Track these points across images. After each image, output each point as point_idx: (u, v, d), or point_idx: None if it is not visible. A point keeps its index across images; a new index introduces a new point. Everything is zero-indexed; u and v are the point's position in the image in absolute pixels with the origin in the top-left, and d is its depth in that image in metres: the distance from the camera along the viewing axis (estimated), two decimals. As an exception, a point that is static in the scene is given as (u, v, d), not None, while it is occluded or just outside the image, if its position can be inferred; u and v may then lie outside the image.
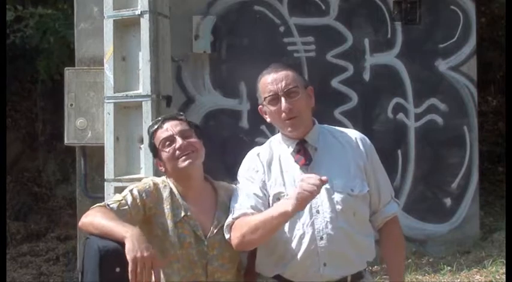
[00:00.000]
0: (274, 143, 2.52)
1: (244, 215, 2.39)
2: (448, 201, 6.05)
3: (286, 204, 2.24)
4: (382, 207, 2.49)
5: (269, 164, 2.47)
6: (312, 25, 5.93)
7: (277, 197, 2.40)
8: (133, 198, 2.47)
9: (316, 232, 2.35)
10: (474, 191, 6.08)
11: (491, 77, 8.20)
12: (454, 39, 6.06)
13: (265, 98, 2.44)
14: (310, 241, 2.35)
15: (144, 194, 2.49)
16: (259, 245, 2.41)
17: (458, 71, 6.08)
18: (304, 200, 2.20)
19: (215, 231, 2.50)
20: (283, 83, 2.40)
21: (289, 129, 2.43)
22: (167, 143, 2.51)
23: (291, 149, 2.46)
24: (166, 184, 2.56)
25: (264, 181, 2.44)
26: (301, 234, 2.36)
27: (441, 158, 6.08)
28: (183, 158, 2.49)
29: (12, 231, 7.09)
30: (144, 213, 2.48)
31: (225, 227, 2.46)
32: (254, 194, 2.42)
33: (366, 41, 5.99)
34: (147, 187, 2.52)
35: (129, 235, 2.26)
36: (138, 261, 2.21)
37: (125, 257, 2.25)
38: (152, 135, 2.57)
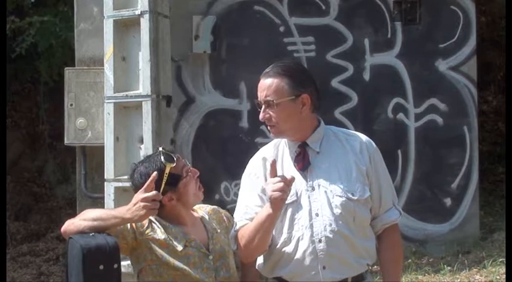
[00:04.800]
0: (281, 144, 2.53)
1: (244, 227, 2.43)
2: (448, 201, 6.05)
3: (267, 208, 2.30)
4: (382, 213, 2.47)
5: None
6: (312, 25, 5.93)
7: None
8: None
9: (314, 234, 2.35)
10: (474, 191, 6.07)
11: (491, 77, 8.19)
12: (454, 39, 6.06)
13: (256, 101, 2.49)
14: (308, 243, 2.35)
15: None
16: (264, 250, 2.42)
17: (458, 71, 6.07)
18: (277, 200, 2.25)
19: (214, 242, 2.56)
20: (264, 93, 2.42)
21: (271, 134, 2.48)
22: (190, 173, 2.55)
23: (292, 151, 2.46)
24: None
25: (264, 188, 2.44)
26: (300, 235, 2.36)
27: (441, 158, 6.08)
28: (201, 191, 2.59)
29: (12, 231, 7.09)
30: (134, 237, 2.48)
31: (230, 238, 2.50)
32: (254, 204, 2.43)
33: (366, 41, 5.99)
34: None
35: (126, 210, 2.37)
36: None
37: (107, 253, 2.31)
38: (167, 167, 2.50)
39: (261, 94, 2.42)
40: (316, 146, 2.44)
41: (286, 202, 2.35)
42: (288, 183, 2.25)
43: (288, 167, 2.43)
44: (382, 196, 2.47)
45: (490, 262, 5.31)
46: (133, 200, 2.37)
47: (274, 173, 2.29)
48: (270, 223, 2.32)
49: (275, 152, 2.50)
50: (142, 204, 2.33)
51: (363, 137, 2.52)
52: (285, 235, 2.38)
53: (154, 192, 2.36)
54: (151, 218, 2.50)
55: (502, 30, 7.60)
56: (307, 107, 2.43)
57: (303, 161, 2.42)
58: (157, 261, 2.48)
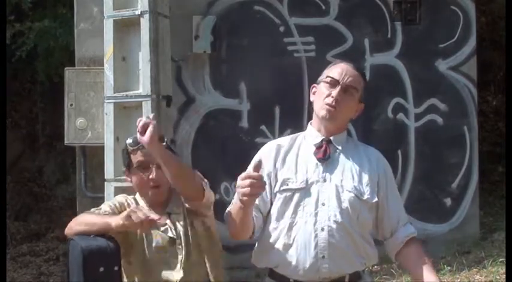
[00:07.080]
0: (299, 137, 2.58)
1: None
2: (448, 201, 6.05)
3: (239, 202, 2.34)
4: (402, 227, 2.62)
5: (286, 154, 2.51)
6: (312, 25, 5.93)
7: (286, 183, 2.45)
8: (111, 208, 2.62)
9: (317, 223, 2.38)
10: (474, 191, 6.07)
11: (491, 77, 8.19)
12: (454, 39, 6.06)
13: (327, 76, 2.50)
14: (310, 230, 2.38)
15: (118, 204, 2.66)
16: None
17: (458, 71, 6.07)
18: (245, 195, 2.23)
19: (175, 226, 2.64)
20: (350, 79, 2.48)
21: (323, 112, 2.47)
22: (143, 167, 2.63)
23: (314, 142, 2.51)
24: (135, 197, 2.72)
25: (270, 172, 2.48)
26: (304, 222, 2.40)
27: (441, 158, 6.08)
28: (154, 190, 2.64)
29: (12, 231, 7.10)
30: None
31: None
32: None
33: (366, 41, 5.98)
34: (119, 199, 2.71)
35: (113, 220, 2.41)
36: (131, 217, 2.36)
37: (108, 255, 2.35)
38: (129, 152, 2.67)
39: (345, 77, 2.48)
40: (338, 144, 2.52)
41: (294, 187, 2.42)
42: (256, 178, 2.22)
43: (304, 155, 2.48)
44: (391, 212, 2.54)
45: (490, 262, 5.31)
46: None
47: (256, 171, 2.27)
48: (244, 215, 2.35)
49: (291, 143, 2.55)
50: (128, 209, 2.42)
51: (378, 152, 2.61)
52: (287, 220, 2.41)
53: (147, 209, 2.45)
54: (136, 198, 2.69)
55: (502, 30, 7.59)
56: (356, 115, 2.56)
57: (324, 152, 2.47)
58: (135, 244, 2.57)
